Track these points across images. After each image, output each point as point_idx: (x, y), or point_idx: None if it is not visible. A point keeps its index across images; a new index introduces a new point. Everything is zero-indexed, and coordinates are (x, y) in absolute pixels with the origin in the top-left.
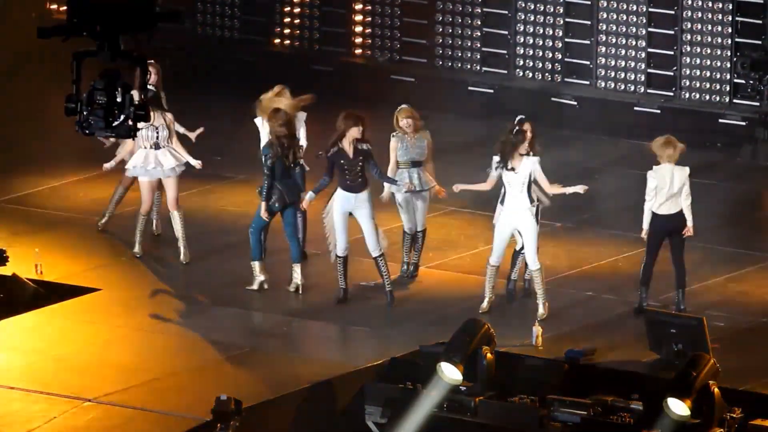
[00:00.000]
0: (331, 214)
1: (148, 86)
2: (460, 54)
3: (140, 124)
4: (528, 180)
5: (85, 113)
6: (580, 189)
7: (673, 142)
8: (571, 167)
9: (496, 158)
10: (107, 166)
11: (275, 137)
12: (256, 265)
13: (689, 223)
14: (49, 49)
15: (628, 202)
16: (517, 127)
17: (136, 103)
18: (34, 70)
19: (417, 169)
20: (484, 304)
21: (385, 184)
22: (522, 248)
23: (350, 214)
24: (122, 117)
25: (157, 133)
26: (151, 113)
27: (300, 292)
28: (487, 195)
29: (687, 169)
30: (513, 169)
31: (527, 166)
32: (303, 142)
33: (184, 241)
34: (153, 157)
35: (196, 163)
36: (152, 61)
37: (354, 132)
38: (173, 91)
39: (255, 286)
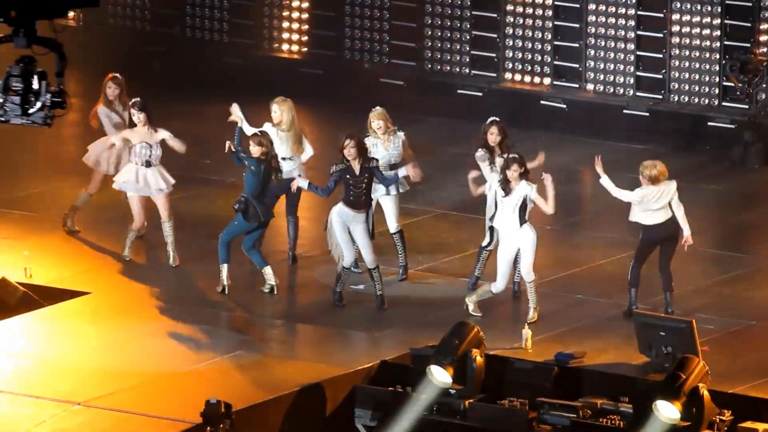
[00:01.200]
0: (331, 228)
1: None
2: (449, 57)
3: (134, 140)
4: (521, 202)
5: (0, 100)
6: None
7: (656, 166)
8: (560, 171)
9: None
10: (114, 140)
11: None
12: (267, 270)
13: (686, 232)
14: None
15: (616, 205)
16: (486, 132)
17: (53, 90)
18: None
19: (393, 172)
20: (475, 311)
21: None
22: (488, 245)
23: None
24: (39, 104)
25: (151, 151)
26: (148, 130)
27: (275, 292)
28: (480, 198)
29: (674, 183)
30: (508, 192)
31: (522, 190)
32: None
33: (173, 245)
34: (142, 174)
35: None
36: (117, 75)
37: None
38: (162, 94)
39: (267, 289)
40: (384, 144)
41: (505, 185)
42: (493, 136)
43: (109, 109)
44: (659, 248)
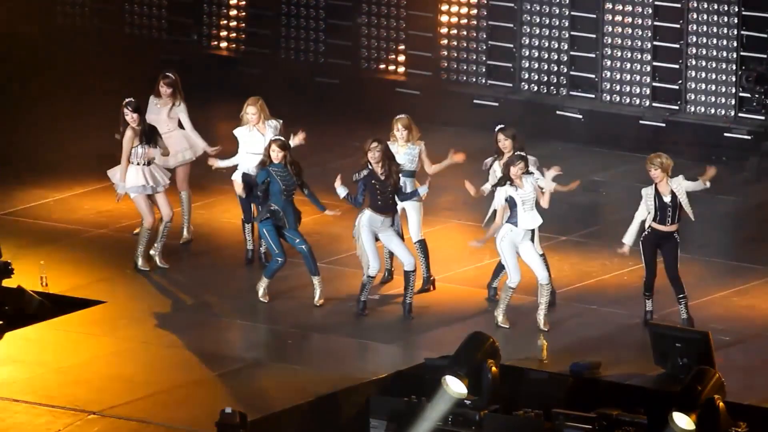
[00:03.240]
0: (359, 236)
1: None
2: (465, 67)
3: (135, 141)
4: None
5: None
6: (552, 174)
7: (660, 156)
8: (576, 181)
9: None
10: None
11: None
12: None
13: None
14: (54, 59)
15: (632, 216)
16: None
17: None
18: (39, 80)
19: (409, 179)
20: (502, 319)
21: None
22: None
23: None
24: None
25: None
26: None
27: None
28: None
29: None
30: (517, 188)
31: (530, 183)
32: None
33: (162, 246)
34: (148, 173)
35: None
36: (169, 74)
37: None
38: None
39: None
40: (400, 150)
41: (511, 182)
42: (503, 143)
43: (156, 103)
44: (661, 253)
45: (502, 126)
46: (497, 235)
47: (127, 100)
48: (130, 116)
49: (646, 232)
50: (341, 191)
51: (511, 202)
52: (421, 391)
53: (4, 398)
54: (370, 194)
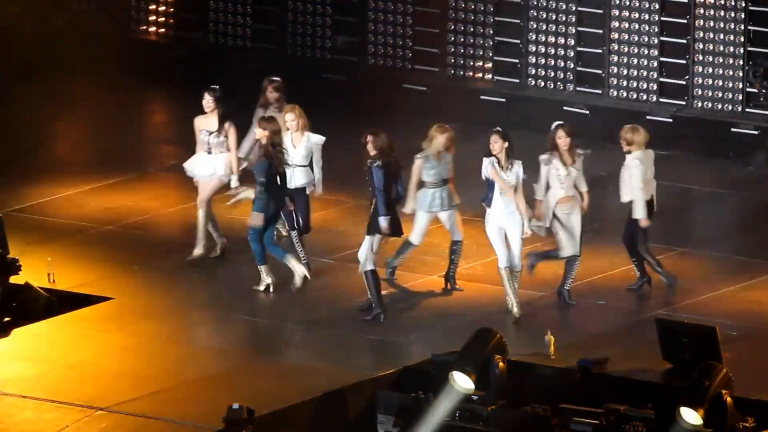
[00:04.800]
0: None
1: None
2: (472, 63)
3: (202, 127)
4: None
5: None
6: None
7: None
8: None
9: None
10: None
11: (275, 145)
12: (263, 269)
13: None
14: (62, 57)
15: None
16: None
17: None
18: (47, 78)
19: (444, 188)
20: (516, 310)
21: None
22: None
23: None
24: None
25: (209, 139)
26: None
27: (271, 290)
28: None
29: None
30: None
31: (518, 169)
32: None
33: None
34: (203, 159)
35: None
36: (276, 78)
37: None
38: (188, 100)
39: (262, 287)
40: (435, 160)
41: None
42: (561, 140)
43: (264, 111)
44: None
45: (561, 123)
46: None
47: (212, 86)
48: (207, 100)
49: None
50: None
51: (488, 182)
52: (429, 386)
53: (12, 395)
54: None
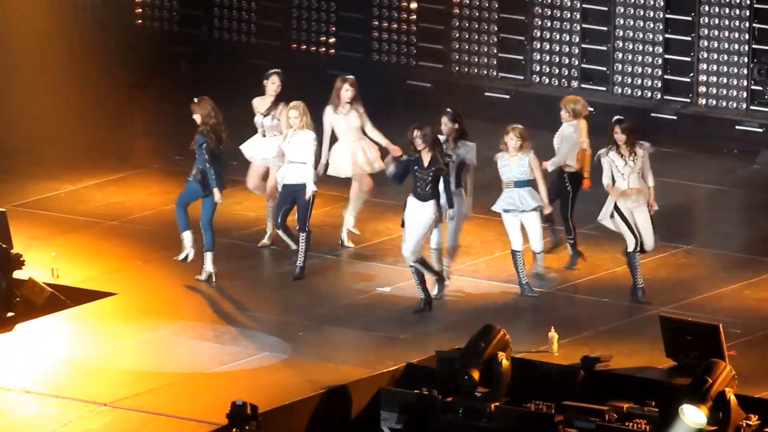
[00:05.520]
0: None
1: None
2: (476, 59)
3: (260, 110)
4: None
5: None
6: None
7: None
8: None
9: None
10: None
11: (211, 125)
12: (186, 236)
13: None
14: (66, 51)
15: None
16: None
17: None
18: (51, 72)
19: (525, 189)
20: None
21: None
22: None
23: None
24: None
25: (263, 121)
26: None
27: (214, 280)
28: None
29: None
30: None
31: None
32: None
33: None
34: (259, 143)
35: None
36: (350, 76)
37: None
38: (193, 95)
39: (181, 257)
40: (510, 160)
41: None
42: (617, 135)
43: (334, 110)
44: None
45: (620, 118)
46: None
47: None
48: (270, 83)
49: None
50: (390, 171)
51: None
52: (433, 383)
53: (15, 390)
54: (411, 180)
